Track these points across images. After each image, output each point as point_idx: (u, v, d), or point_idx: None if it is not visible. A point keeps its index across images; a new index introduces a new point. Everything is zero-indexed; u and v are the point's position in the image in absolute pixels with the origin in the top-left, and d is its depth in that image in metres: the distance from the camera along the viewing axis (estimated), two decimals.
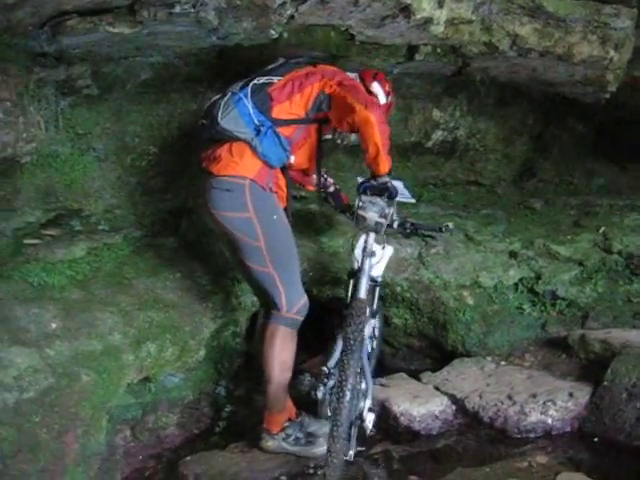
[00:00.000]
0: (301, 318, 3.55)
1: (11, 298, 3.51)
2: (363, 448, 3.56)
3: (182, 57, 4.13)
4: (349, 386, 3.03)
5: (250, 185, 3.43)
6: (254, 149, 3.43)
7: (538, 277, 4.58)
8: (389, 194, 3.36)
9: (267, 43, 3.82)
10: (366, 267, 3.43)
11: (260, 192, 3.45)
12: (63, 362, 3.28)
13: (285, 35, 3.81)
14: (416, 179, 5.48)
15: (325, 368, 3.28)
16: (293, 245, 3.58)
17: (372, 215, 3.28)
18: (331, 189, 4.03)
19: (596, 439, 3.62)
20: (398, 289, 4.55)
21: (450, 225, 3.57)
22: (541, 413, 3.72)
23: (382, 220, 3.31)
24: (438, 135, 5.32)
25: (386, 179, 3.39)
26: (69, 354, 3.33)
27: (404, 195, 3.70)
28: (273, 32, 3.67)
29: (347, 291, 3.65)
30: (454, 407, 3.93)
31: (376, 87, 3.75)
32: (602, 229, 4.86)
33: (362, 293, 3.43)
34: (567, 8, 4.24)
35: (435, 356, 4.72)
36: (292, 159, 3.56)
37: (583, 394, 3.77)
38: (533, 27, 4.25)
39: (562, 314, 4.51)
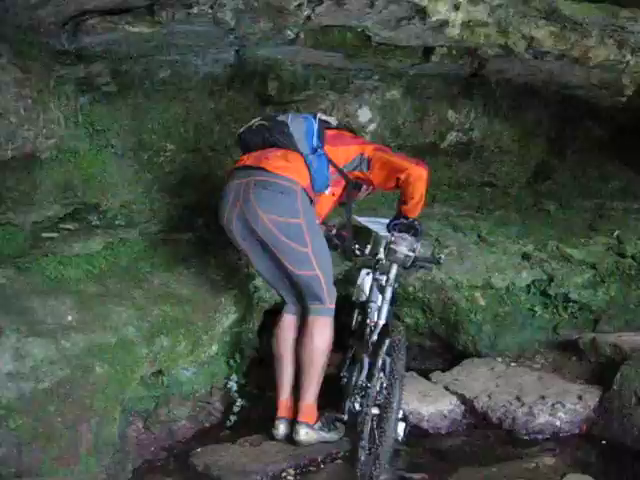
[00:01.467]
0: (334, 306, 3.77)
1: (29, 290, 3.58)
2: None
3: (200, 56, 4.18)
4: (393, 416, 3.22)
5: (302, 192, 3.56)
6: (308, 163, 3.61)
7: (551, 279, 4.59)
8: (415, 232, 3.71)
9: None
10: (388, 296, 3.65)
11: (308, 201, 3.61)
12: (78, 354, 3.34)
13: (302, 36, 3.85)
14: (430, 180, 5.48)
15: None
16: (327, 245, 3.76)
17: (402, 249, 3.61)
18: (333, 232, 4.10)
19: (604, 442, 3.63)
20: (410, 289, 4.57)
21: (443, 256, 3.94)
22: (550, 415, 3.74)
23: (411, 254, 3.63)
24: (453, 136, 5.34)
25: (414, 220, 3.76)
26: (84, 346, 3.39)
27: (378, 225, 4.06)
28: (290, 33, 3.73)
29: (352, 320, 3.99)
30: (463, 407, 3.95)
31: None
32: (616, 233, 4.86)
33: (383, 319, 3.63)
34: (584, 11, 4.25)
35: (446, 356, 4.74)
36: (328, 191, 3.74)
37: (592, 397, 3.79)
38: (549, 30, 4.26)
39: (574, 317, 4.51)
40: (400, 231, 3.69)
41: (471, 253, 4.72)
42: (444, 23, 3.93)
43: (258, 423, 3.86)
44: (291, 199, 3.53)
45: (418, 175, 3.66)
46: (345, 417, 3.62)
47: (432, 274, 4.58)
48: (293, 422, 3.68)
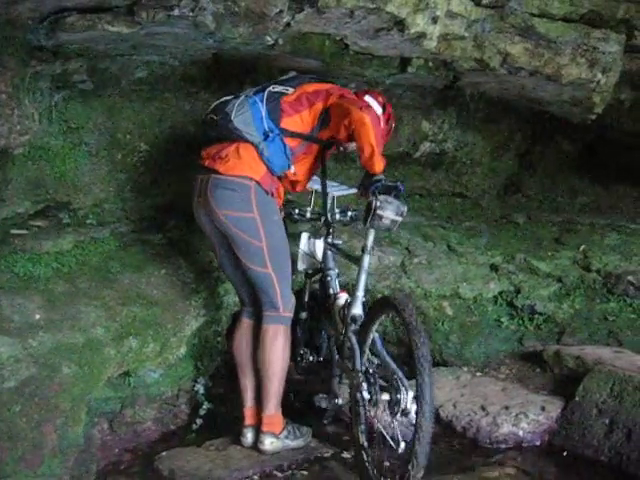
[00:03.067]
0: (292, 315, 3.70)
1: None
2: None
3: (177, 57, 4.17)
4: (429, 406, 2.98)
5: (255, 187, 3.51)
6: (260, 153, 3.52)
7: (517, 291, 4.66)
8: (397, 192, 3.39)
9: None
10: (366, 265, 3.47)
11: (264, 195, 3.54)
12: (45, 353, 3.31)
13: (280, 42, 3.86)
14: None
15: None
16: (288, 247, 3.69)
17: (389, 214, 3.31)
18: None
19: (565, 453, 3.69)
20: (379, 296, 4.60)
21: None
22: (513, 425, 3.79)
23: (398, 218, 3.34)
24: (426, 146, 5.39)
25: (381, 177, 3.41)
26: (51, 345, 3.36)
27: (343, 189, 3.90)
28: (269, 38, 3.73)
29: (303, 292, 3.95)
30: None
31: (368, 98, 3.82)
32: (582, 247, 4.96)
33: (362, 289, 3.46)
34: (558, 30, 4.33)
35: (411, 365, 4.76)
36: (292, 169, 3.66)
37: (555, 408, 3.84)
38: (524, 47, 4.33)
39: (539, 329, 4.58)
40: (381, 193, 3.32)
41: (440, 263, 4.77)
42: (422, 35, 3.97)
43: (224, 426, 3.86)
44: (243, 195, 3.49)
45: (359, 120, 3.35)
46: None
47: (401, 282, 4.62)
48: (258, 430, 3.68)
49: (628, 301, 4.58)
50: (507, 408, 3.86)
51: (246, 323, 3.82)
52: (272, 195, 3.60)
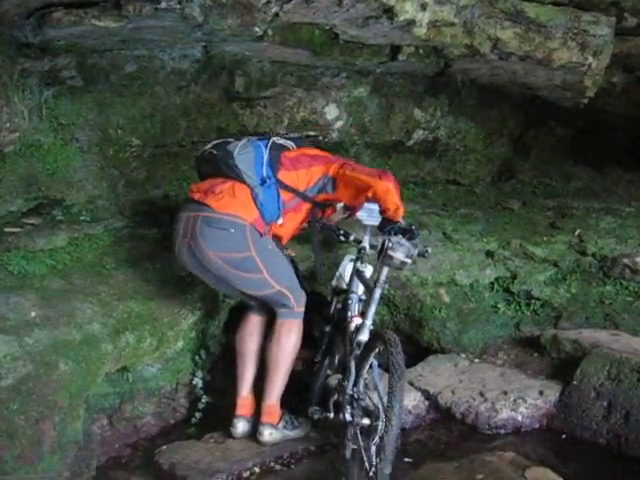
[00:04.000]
0: (304, 310, 3.77)
1: None
2: None
3: (167, 51, 4.16)
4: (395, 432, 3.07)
5: (250, 227, 3.52)
6: (254, 196, 3.55)
7: (514, 277, 4.66)
8: (411, 235, 3.52)
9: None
10: (377, 297, 3.56)
11: (257, 234, 3.55)
12: (42, 350, 3.31)
13: (270, 32, 3.85)
14: (396, 177, 5.52)
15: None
16: (285, 258, 3.73)
17: (399, 255, 3.44)
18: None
19: (564, 436, 3.70)
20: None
21: (429, 249, 3.75)
22: (511, 410, 3.79)
23: (408, 260, 3.47)
24: (419, 134, 5.39)
25: (412, 225, 3.59)
26: (48, 343, 3.36)
27: (374, 218, 3.89)
28: (258, 29, 3.72)
29: (330, 307, 4.01)
30: (427, 402, 3.99)
31: None
32: (578, 231, 4.96)
33: (370, 318, 3.54)
34: (548, 14, 4.32)
35: (410, 352, 4.77)
36: (280, 220, 3.68)
37: (553, 392, 3.85)
38: (514, 32, 4.32)
39: (536, 314, 4.58)
40: (396, 234, 3.50)
41: (436, 250, 4.76)
42: (411, 22, 3.96)
43: (223, 419, 3.85)
44: (237, 235, 3.48)
45: (384, 190, 3.57)
46: (313, 411, 3.61)
47: (397, 271, 4.62)
48: (253, 421, 3.70)
49: (624, 284, 4.57)
50: (505, 393, 3.87)
51: (254, 317, 3.85)
52: (266, 234, 3.63)
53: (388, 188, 3.57)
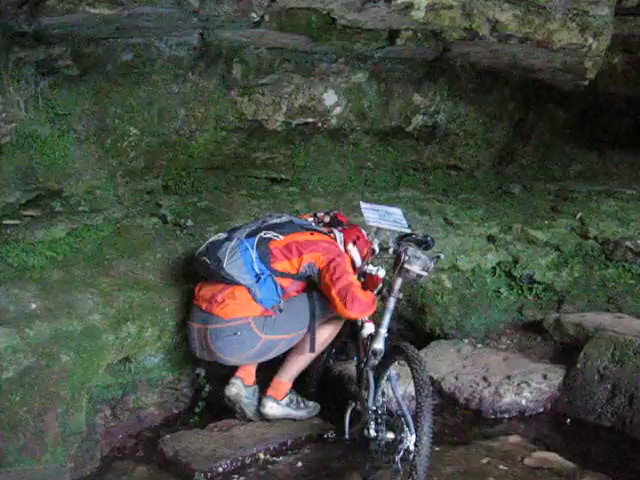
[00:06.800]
0: None
1: None
2: None
3: (163, 39, 4.12)
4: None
5: (254, 320, 3.60)
6: (253, 295, 3.62)
7: (516, 261, 4.65)
8: (426, 246, 3.57)
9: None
10: (391, 306, 3.54)
11: (262, 320, 3.63)
12: (43, 342, 3.30)
13: (266, 18, 3.81)
14: (396, 163, 5.51)
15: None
16: (291, 302, 3.71)
17: (415, 269, 3.43)
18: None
19: (568, 420, 3.70)
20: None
21: (442, 256, 3.69)
22: (515, 394, 3.79)
23: (424, 273, 3.46)
24: (418, 120, 5.35)
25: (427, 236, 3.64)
26: (49, 334, 3.35)
27: (401, 224, 3.83)
28: (254, 15, 3.69)
29: None
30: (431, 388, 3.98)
31: (354, 252, 3.89)
32: (579, 215, 4.94)
33: (385, 327, 3.51)
34: None
35: (413, 338, 4.76)
36: (281, 304, 3.69)
37: (557, 376, 3.85)
38: (513, 13, 4.29)
39: (538, 298, 4.58)
40: (411, 245, 3.50)
41: (437, 236, 4.72)
42: (409, 6, 3.92)
43: (226, 408, 3.85)
44: (244, 335, 3.59)
45: (346, 316, 3.65)
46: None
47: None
48: (252, 391, 3.77)
49: (627, 267, 4.57)
50: (509, 378, 3.87)
51: None
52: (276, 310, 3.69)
53: (349, 316, 3.63)
